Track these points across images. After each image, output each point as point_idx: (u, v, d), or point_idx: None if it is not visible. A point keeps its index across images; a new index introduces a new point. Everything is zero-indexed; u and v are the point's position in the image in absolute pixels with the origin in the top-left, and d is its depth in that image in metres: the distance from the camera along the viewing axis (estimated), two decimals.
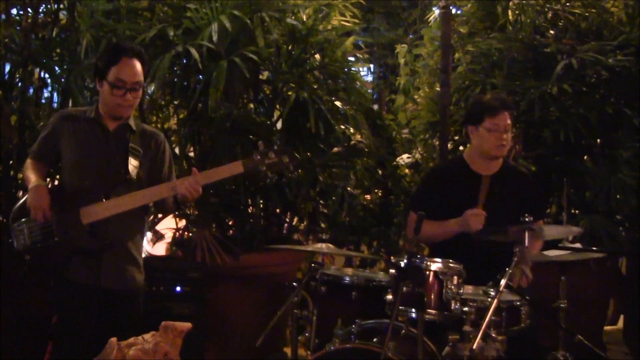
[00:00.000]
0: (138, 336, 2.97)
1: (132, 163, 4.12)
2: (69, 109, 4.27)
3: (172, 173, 4.43)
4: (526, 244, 4.21)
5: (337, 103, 6.11)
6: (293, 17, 6.02)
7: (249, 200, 6.20)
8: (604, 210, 6.35)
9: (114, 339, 2.93)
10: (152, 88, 5.87)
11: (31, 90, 5.99)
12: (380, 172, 6.89)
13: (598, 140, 6.53)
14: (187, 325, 3.00)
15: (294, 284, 4.65)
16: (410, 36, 8.52)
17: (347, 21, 6.42)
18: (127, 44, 4.32)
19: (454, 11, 7.47)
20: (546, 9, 6.99)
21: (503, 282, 4.07)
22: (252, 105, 6.17)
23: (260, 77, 6.14)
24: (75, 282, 4.07)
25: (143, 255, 6.33)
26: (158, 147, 4.32)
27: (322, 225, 6.42)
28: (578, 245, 4.98)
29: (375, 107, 7.90)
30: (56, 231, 4.01)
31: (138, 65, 4.10)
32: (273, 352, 5.83)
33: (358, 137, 6.39)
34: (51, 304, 4.21)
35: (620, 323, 7.82)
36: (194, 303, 5.41)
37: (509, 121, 4.90)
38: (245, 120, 5.81)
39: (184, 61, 5.78)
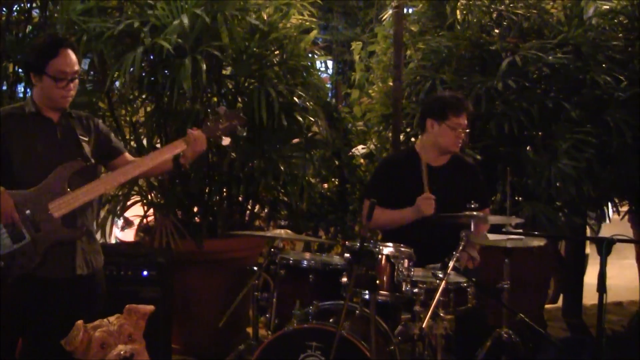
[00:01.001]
0: (103, 319, 2.93)
1: (86, 149, 4.03)
2: (5, 108, 4.04)
3: (121, 143, 4.37)
4: (472, 229, 4.23)
5: (296, 97, 6.06)
6: (254, 16, 5.97)
7: (213, 189, 6.15)
8: (545, 197, 6.38)
9: (80, 322, 2.89)
10: (119, 82, 5.77)
11: (4, 86, 5.88)
12: (336, 162, 6.89)
13: (539, 132, 6.54)
14: (150, 308, 2.97)
15: (255, 268, 4.65)
16: (367, 34, 8.48)
17: (306, 20, 6.38)
18: (60, 36, 4.24)
19: (406, 11, 7.45)
20: (491, 10, 6.99)
21: (451, 264, 4.09)
22: (215, 99, 6.10)
23: (224, 72, 6.08)
24: (48, 279, 3.88)
25: (113, 241, 6.35)
26: (97, 127, 4.19)
27: (283, 212, 6.40)
28: (520, 230, 5.01)
29: (333, 100, 7.88)
30: (26, 231, 3.79)
31: (74, 55, 3.96)
32: (236, 333, 5.80)
33: (316, 129, 6.36)
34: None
35: (560, 302, 7.88)
36: (160, 287, 5.36)
37: (467, 121, 4.97)
38: (209, 113, 5.75)
39: (151, 57, 5.70)
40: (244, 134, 4.61)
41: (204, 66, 5.42)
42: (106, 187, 4.05)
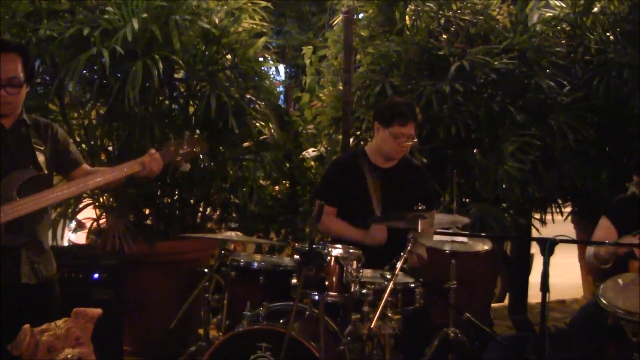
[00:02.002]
0: (51, 322, 2.86)
1: (40, 158, 3.84)
2: None
3: (80, 154, 4.19)
4: (419, 230, 4.22)
5: (247, 101, 6.02)
6: (206, 20, 5.91)
7: (165, 192, 6.09)
8: (492, 198, 6.42)
9: (27, 326, 2.82)
10: (71, 85, 5.68)
11: None
12: (287, 164, 6.87)
13: (486, 135, 6.57)
14: (98, 311, 2.91)
15: (205, 270, 4.61)
16: (319, 39, 8.47)
17: (257, 24, 6.34)
18: (3, 39, 4.06)
19: (356, 16, 7.45)
20: (439, 16, 7.02)
21: (398, 265, 4.08)
22: (167, 103, 6.04)
23: (176, 75, 6.02)
24: None
25: (65, 244, 6.25)
26: (55, 136, 3.98)
27: (234, 214, 6.35)
28: (467, 232, 5.02)
29: (284, 104, 7.87)
30: None
31: (14, 60, 3.72)
32: (188, 334, 5.74)
33: (267, 132, 6.32)
34: None
35: (507, 300, 7.92)
36: (111, 289, 5.29)
37: (413, 131, 4.94)
38: (161, 117, 5.69)
39: (102, 60, 5.62)
40: (188, 168, 4.49)
41: (155, 70, 5.34)
42: (55, 199, 3.92)
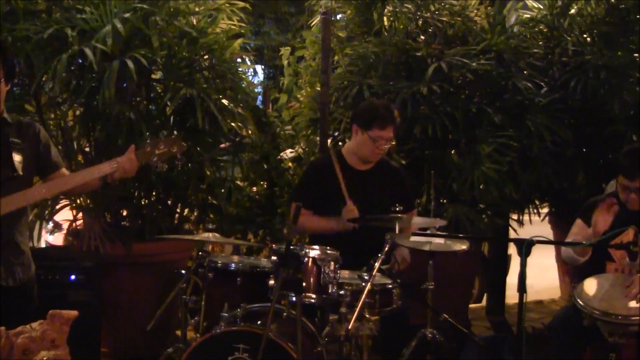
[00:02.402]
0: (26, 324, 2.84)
1: (16, 158, 3.79)
2: None
3: (60, 158, 4.18)
4: (397, 232, 4.24)
5: (225, 101, 6.02)
6: (184, 21, 5.90)
7: (142, 193, 6.07)
8: (469, 199, 6.44)
9: (2, 328, 2.80)
10: (50, 86, 5.65)
11: None
12: (265, 165, 6.85)
13: (463, 136, 6.59)
14: (74, 313, 2.88)
15: (183, 271, 4.60)
16: (297, 40, 8.46)
17: (235, 25, 6.33)
18: None
19: (334, 17, 7.46)
20: (417, 17, 7.03)
21: (376, 266, 4.09)
22: (145, 103, 6.02)
23: (153, 76, 6.00)
24: None
25: (42, 245, 6.22)
26: (37, 136, 3.94)
27: (211, 215, 6.34)
28: (444, 232, 5.03)
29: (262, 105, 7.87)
30: None
31: None
32: (166, 336, 5.73)
33: (244, 133, 6.31)
34: None
35: (484, 301, 7.96)
36: (88, 290, 5.29)
37: (391, 134, 4.94)
38: (138, 117, 5.67)
39: (79, 61, 5.59)
40: (164, 168, 4.45)
41: (133, 71, 5.33)
42: (29, 200, 3.89)
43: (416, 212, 5.40)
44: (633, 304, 4.12)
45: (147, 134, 5.57)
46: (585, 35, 7.21)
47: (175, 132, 5.92)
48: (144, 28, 5.51)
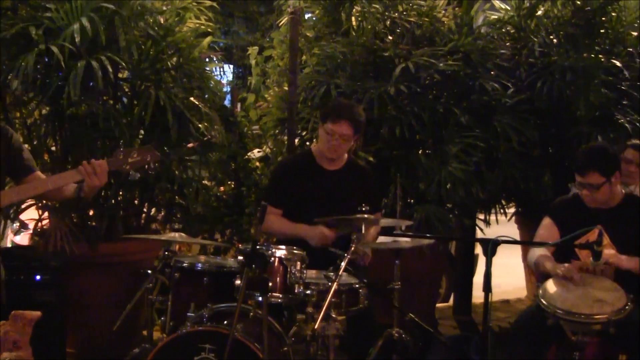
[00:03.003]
0: None
1: None
2: None
3: (33, 161, 4.17)
4: (363, 232, 4.25)
5: (192, 100, 5.99)
6: (151, 20, 5.88)
7: (109, 192, 6.03)
8: (436, 199, 6.47)
9: None
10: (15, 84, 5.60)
11: None
12: (232, 165, 6.84)
13: (430, 136, 6.63)
14: (37, 314, 2.88)
15: (149, 271, 4.59)
16: (267, 40, 8.45)
17: (203, 24, 6.31)
18: None
19: (307, 16, 7.48)
20: (385, 17, 7.04)
21: (342, 266, 4.10)
22: (111, 102, 5.99)
23: (120, 75, 5.98)
24: None
25: (8, 245, 6.17)
26: (9, 139, 3.95)
27: (179, 215, 6.32)
28: (411, 232, 5.06)
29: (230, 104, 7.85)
30: None
31: None
32: (133, 336, 5.71)
33: (212, 132, 6.29)
34: None
35: (452, 301, 8.00)
36: (54, 291, 5.25)
37: (347, 131, 4.90)
38: (105, 117, 5.65)
39: (46, 60, 5.56)
40: (137, 177, 4.44)
41: (99, 70, 5.31)
42: (35, 192, 3.89)
43: (381, 215, 5.41)
44: (597, 303, 4.16)
45: (116, 134, 5.56)
46: (551, 37, 7.25)
47: (142, 132, 5.89)
48: (101, 29, 5.46)
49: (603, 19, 7.41)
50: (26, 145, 5.60)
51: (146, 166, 4.15)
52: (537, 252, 4.74)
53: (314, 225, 4.85)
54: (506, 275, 8.82)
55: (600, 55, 7.06)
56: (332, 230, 4.85)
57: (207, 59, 6.54)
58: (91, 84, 5.53)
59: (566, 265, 4.49)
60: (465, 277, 7.74)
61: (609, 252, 4.34)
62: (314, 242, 4.83)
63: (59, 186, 3.92)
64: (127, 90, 6.09)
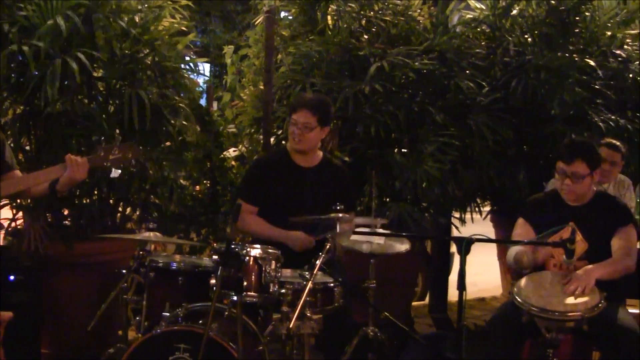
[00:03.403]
0: None
1: None
2: None
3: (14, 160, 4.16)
4: (337, 231, 4.26)
5: (168, 99, 5.97)
6: (126, 18, 5.87)
7: (84, 192, 6.01)
8: (411, 198, 6.49)
9: None
10: None
11: None
12: (208, 164, 6.82)
13: (406, 135, 6.65)
14: (8, 314, 2.87)
15: (124, 271, 4.58)
16: (243, 39, 8.44)
17: (178, 22, 6.30)
18: None
19: (283, 14, 7.48)
20: (361, 16, 7.07)
21: (317, 264, 4.10)
22: (86, 101, 5.96)
23: (95, 74, 5.95)
24: None
25: None
26: None
27: (154, 214, 6.31)
28: (386, 231, 5.06)
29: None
30: None
31: None
32: (108, 336, 5.69)
33: (187, 131, 6.28)
34: None
35: (428, 299, 8.02)
36: (28, 291, 5.23)
37: (307, 119, 4.93)
38: (80, 115, 5.63)
39: (20, 58, 5.53)
40: (118, 174, 4.45)
41: (76, 69, 5.28)
42: (14, 189, 3.88)
43: (354, 215, 5.42)
44: (570, 300, 4.19)
45: (91, 134, 5.54)
46: (526, 36, 7.31)
47: (117, 131, 5.87)
48: (86, 26, 5.45)
49: (577, 18, 7.48)
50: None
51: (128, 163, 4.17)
52: (515, 249, 4.77)
53: (292, 232, 4.87)
54: (482, 273, 8.89)
55: (574, 55, 7.12)
56: (310, 235, 4.87)
57: (187, 57, 6.51)
58: (66, 82, 5.50)
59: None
60: (441, 275, 7.75)
61: (580, 270, 4.35)
62: (296, 247, 4.84)
63: (38, 182, 3.92)
64: (102, 89, 6.06)
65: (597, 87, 7.26)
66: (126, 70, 5.84)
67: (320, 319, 4.45)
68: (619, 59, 7.49)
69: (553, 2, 7.36)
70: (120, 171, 4.23)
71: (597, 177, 4.67)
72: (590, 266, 4.41)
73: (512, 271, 5.82)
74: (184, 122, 6.13)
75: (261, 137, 6.69)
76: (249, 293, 4.18)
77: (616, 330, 4.29)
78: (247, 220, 4.92)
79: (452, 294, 7.63)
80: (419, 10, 7.28)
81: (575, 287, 4.26)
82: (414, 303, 7.76)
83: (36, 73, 5.41)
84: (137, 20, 6.00)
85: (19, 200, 5.77)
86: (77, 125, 5.58)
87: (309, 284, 4.01)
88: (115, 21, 5.74)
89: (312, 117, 4.93)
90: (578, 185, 4.58)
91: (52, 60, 5.32)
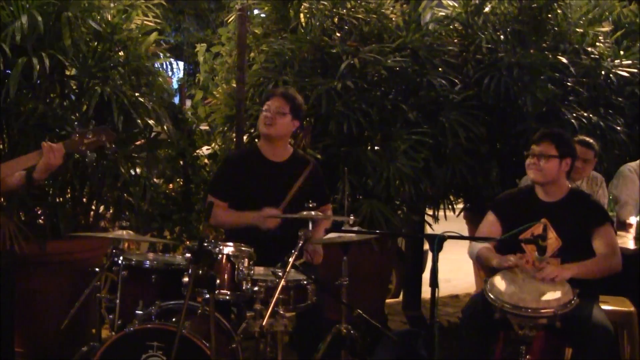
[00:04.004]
0: None
1: None
2: None
3: None
4: (310, 228, 4.27)
5: (140, 98, 5.97)
6: (97, 17, 5.85)
7: (57, 190, 5.99)
8: (384, 196, 6.52)
9: None
10: None
11: None
12: (181, 162, 6.82)
13: (379, 132, 6.67)
14: None
15: (97, 269, 4.57)
16: (216, 37, 8.43)
17: (150, 21, 6.29)
18: None
19: (256, 12, 7.48)
20: (333, 14, 7.08)
21: (290, 262, 4.11)
22: (58, 100, 5.94)
23: (67, 72, 5.93)
24: None
25: None
26: None
27: (127, 213, 6.30)
28: (358, 228, 5.07)
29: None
30: None
31: None
32: (82, 334, 5.68)
33: (160, 129, 6.28)
34: None
35: (402, 296, 8.06)
36: (1, 290, 5.17)
37: (281, 104, 5.03)
38: (52, 114, 5.61)
39: None
40: (93, 157, 4.48)
41: (44, 67, 5.27)
42: None
43: (330, 207, 5.45)
44: (543, 297, 4.21)
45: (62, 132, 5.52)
46: (499, 34, 7.34)
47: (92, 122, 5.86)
48: (53, 24, 5.44)
49: (549, 16, 7.52)
50: None
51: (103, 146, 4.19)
52: (478, 246, 4.81)
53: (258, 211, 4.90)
54: (456, 270, 8.95)
55: (546, 52, 7.18)
56: (278, 209, 4.90)
57: (158, 55, 6.50)
58: (38, 81, 5.49)
59: (511, 257, 4.54)
60: (414, 272, 7.80)
61: (551, 271, 4.38)
62: (264, 226, 4.86)
63: (14, 171, 3.93)
64: (74, 87, 6.05)
65: (569, 84, 7.35)
66: (98, 69, 5.82)
67: (294, 317, 4.49)
68: (591, 56, 7.57)
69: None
70: (95, 155, 4.24)
71: (566, 167, 4.71)
72: (570, 265, 4.45)
73: (484, 268, 5.86)
74: (156, 121, 6.12)
75: (234, 135, 6.69)
76: (221, 291, 4.22)
77: (589, 327, 4.33)
78: (216, 213, 4.91)
79: (426, 291, 7.62)
80: (391, 8, 7.30)
81: (547, 274, 4.30)
82: (388, 300, 7.78)
83: (8, 72, 5.40)
84: (108, 19, 5.99)
85: None
86: (49, 124, 5.55)
87: (282, 282, 4.02)
88: (86, 20, 5.73)
89: (286, 105, 5.03)
90: (544, 164, 4.64)
91: (22, 58, 5.31)
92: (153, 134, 6.24)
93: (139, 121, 5.93)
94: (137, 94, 5.97)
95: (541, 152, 4.67)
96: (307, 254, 4.85)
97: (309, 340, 4.80)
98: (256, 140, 6.62)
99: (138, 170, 6.17)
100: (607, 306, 4.93)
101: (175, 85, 9.54)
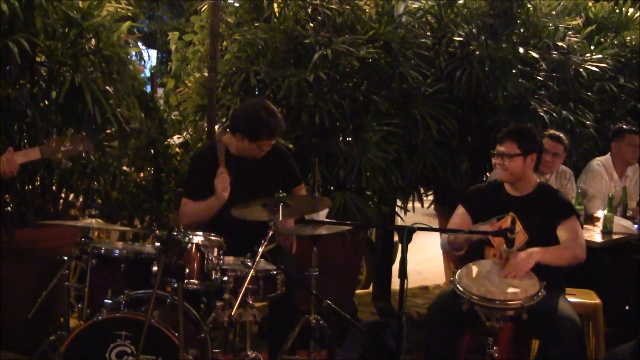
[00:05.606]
0: None
1: None
2: None
3: None
4: (280, 218, 4.27)
5: (111, 86, 5.92)
6: (69, 3, 5.81)
7: (26, 178, 5.95)
8: (355, 187, 6.53)
9: None
10: None
11: None
12: (152, 151, 6.79)
13: (350, 124, 6.68)
14: None
15: (65, 258, 4.55)
16: (189, 25, 8.38)
17: (122, 8, 6.24)
18: None
19: (229, 1, 7.46)
20: (307, 4, 7.07)
21: (260, 252, 4.11)
22: (28, 87, 5.90)
23: (37, 59, 5.88)
24: None
25: None
26: None
27: (98, 201, 6.27)
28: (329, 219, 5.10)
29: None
30: None
31: None
32: (51, 323, 5.65)
33: (131, 118, 6.24)
34: None
35: (372, 287, 8.09)
36: None
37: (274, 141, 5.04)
38: (21, 102, 5.57)
39: None
40: (69, 165, 4.47)
41: (16, 53, 5.23)
42: None
43: (304, 187, 5.44)
44: (510, 289, 4.24)
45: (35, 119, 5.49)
46: (471, 27, 7.37)
47: (60, 117, 5.82)
48: (28, 10, 5.39)
49: (519, 10, 7.57)
50: None
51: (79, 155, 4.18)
52: (446, 243, 4.87)
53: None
54: (427, 262, 9.00)
55: (517, 46, 7.21)
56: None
57: (130, 44, 6.46)
58: (7, 68, 5.44)
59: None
60: (384, 264, 7.83)
61: (514, 268, 4.40)
62: (221, 198, 4.82)
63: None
64: (44, 74, 6.00)
65: (540, 78, 7.39)
66: (68, 56, 5.78)
67: (266, 307, 4.50)
68: (561, 50, 7.62)
69: None
70: (71, 163, 4.23)
71: (532, 162, 4.74)
72: (534, 249, 4.48)
73: (453, 260, 5.89)
74: (126, 109, 6.09)
75: (205, 124, 6.66)
76: (191, 280, 4.23)
77: (555, 319, 4.37)
78: (185, 209, 4.85)
79: (396, 283, 7.68)
80: (365, 0, 7.30)
81: (510, 273, 4.33)
82: (358, 291, 7.81)
83: None
84: (79, 5, 5.94)
85: None
86: (19, 111, 5.51)
87: (251, 272, 4.02)
88: (56, 6, 5.68)
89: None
90: (509, 163, 4.69)
91: None
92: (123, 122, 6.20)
93: (110, 109, 5.88)
94: (108, 82, 5.92)
95: (504, 151, 4.71)
96: (286, 242, 4.87)
97: (279, 330, 4.83)
98: (227, 130, 6.62)
99: (107, 158, 6.14)
100: (573, 298, 5.00)
101: (147, 74, 9.48)
